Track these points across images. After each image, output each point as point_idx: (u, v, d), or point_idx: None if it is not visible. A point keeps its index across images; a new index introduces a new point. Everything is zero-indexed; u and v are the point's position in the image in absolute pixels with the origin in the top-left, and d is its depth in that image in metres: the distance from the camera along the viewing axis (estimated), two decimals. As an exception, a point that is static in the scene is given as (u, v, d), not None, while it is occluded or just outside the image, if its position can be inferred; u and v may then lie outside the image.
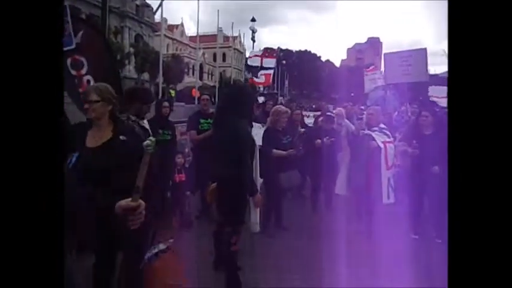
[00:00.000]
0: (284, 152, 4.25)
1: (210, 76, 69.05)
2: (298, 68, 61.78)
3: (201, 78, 65.89)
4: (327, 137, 4.70)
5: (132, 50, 41.31)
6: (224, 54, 72.04)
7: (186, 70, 54.45)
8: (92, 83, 3.42)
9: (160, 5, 26.23)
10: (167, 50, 56.64)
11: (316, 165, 4.80)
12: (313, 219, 4.95)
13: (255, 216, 3.01)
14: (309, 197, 5.27)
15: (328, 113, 5.29)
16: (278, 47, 50.58)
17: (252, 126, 3.00)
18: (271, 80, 14.66)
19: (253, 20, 22.54)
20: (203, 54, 64.23)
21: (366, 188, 4.41)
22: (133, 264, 2.11)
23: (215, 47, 62.23)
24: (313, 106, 11.02)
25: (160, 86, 17.40)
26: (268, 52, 14.58)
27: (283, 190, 4.39)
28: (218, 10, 35.25)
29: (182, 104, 26.24)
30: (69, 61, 3.35)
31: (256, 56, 14.15)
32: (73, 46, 3.30)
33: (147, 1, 47.28)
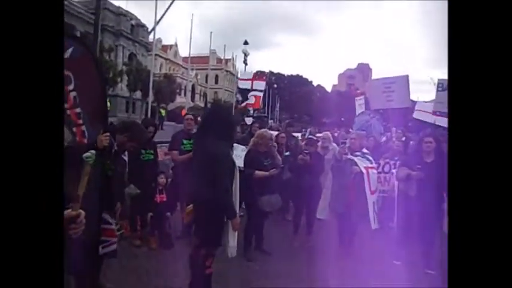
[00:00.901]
0: (266, 173, 4.25)
1: (202, 97, 69.56)
2: (289, 91, 62.71)
3: (192, 99, 66.29)
4: (301, 156, 4.68)
5: (124, 68, 41.59)
6: (216, 76, 72.97)
7: (178, 90, 54.80)
8: (77, 99, 3.36)
9: (155, 26, 26.82)
10: (160, 70, 57.09)
11: (299, 189, 4.79)
12: (295, 243, 4.90)
13: (233, 240, 2.96)
14: (291, 220, 5.24)
15: (310, 136, 5.34)
16: (269, 71, 51.43)
17: (232, 148, 2.99)
18: (261, 102, 14.81)
19: (245, 43, 22.97)
20: (196, 75, 64.91)
21: (347, 212, 4.40)
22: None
23: (207, 69, 62.97)
24: (303, 130, 11.10)
25: (150, 105, 17.43)
26: (258, 75, 14.83)
27: (264, 213, 4.35)
28: (211, 32, 36.19)
29: (172, 123, 26.33)
30: None
31: (247, 79, 14.40)
32: None
33: (143, 21, 47.95)
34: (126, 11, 46.94)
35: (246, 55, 22.97)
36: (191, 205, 3.04)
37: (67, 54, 3.31)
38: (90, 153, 1.42)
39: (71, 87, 3.30)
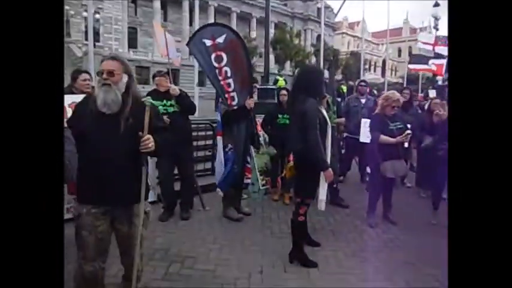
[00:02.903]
0: (393, 139, 4.02)
1: (394, 72, 65.13)
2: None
3: (383, 74, 62.89)
4: (436, 112, 4.07)
5: (312, 50, 43.60)
6: (410, 48, 66.37)
7: (366, 67, 53.38)
8: (228, 73, 4.23)
9: (341, 7, 27.25)
10: (348, 48, 56.74)
11: (438, 158, 4.26)
12: (433, 221, 4.39)
13: (323, 193, 3.10)
14: (429, 195, 4.72)
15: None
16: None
17: (320, 104, 3.09)
18: (443, 71, 12.87)
19: (436, 4, 20.03)
20: (386, 49, 61.12)
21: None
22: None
23: (401, 41, 58.08)
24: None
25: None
26: (440, 40, 12.89)
27: (387, 179, 4.15)
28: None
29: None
30: (213, 56, 4.19)
31: (427, 43, 12.80)
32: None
33: (328, 2, 48.77)
34: (313, -4, 48.65)
35: (436, 19, 20.14)
36: (292, 162, 3.35)
37: (221, 39, 4.20)
38: (147, 98, 2.01)
39: (223, 63, 4.21)
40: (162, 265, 3.13)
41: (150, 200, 4.51)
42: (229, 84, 4.25)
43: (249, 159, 4.60)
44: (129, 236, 2.11)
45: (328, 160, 3.06)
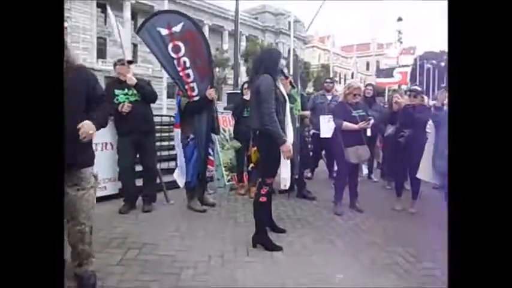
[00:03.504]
0: (355, 126, 4.07)
1: (362, 84, 67.31)
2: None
3: (352, 87, 64.76)
4: (395, 99, 4.18)
5: (284, 62, 44.43)
6: (378, 62, 69.02)
7: (336, 79, 54.81)
8: (187, 63, 4.12)
9: (312, 21, 27.82)
10: (319, 61, 58.20)
11: (399, 145, 4.34)
12: (397, 207, 4.48)
13: (285, 171, 3.04)
14: (393, 187, 4.81)
15: (414, 87, 4.70)
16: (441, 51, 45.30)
17: (275, 80, 3.04)
18: (408, 79, 13.42)
19: (399, 19, 21.09)
20: (355, 63, 63.29)
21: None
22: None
23: (369, 55, 60.22)
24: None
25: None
26: (404, 50, 13.58)
27: (351, 165, 4.18)
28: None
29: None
30: (170, 46, 4.01)
31: (392, 57, 13.47)
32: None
33: (299, 17, 49.97)
34: (284, 10, 49.92)
35: (399, 33, 21.14)
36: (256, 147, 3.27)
37: (178, 28, 4.08)
38: None
39: (181, 54, 4.08)
40: (118, 252, 2.95)
41: (111, 192, 4.37)
42: (188, 75, 4.09)
43: (212, 152, 4.46)
44: (77, 198, 2.00)
45: (290, 139, 3.02)
